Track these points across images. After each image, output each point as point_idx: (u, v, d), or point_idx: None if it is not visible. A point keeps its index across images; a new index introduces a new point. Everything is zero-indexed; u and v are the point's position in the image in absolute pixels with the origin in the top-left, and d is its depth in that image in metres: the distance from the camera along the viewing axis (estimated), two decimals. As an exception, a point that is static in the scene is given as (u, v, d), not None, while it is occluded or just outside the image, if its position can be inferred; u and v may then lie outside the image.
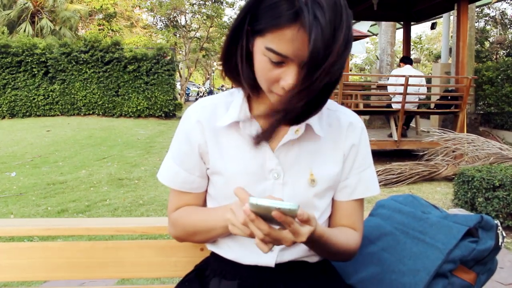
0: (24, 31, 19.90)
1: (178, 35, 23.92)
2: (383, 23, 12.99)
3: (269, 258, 1.04)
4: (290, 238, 0.82)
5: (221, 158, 1.04)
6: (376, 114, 9.82)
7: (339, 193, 1.10)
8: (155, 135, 10.82)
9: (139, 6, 26.79)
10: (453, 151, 5.89)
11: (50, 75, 14.30)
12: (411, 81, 7.34)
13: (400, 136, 7.11)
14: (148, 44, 19.85)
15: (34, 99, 14.31)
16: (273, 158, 1.02)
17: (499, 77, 10.03)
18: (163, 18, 23.74)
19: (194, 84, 33.40)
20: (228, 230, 0.92)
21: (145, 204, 4.78)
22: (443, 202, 4.88)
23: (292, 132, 1.01)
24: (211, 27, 23.49)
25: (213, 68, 37.55)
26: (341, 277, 1.16)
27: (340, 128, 1.08)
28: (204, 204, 1.15)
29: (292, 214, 0.78)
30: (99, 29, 25.14)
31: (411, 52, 28.07)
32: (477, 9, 15.56)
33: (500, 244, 1.13)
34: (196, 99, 28.33)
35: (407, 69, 7.82)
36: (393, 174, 5.65)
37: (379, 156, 7.58)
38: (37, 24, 20.99)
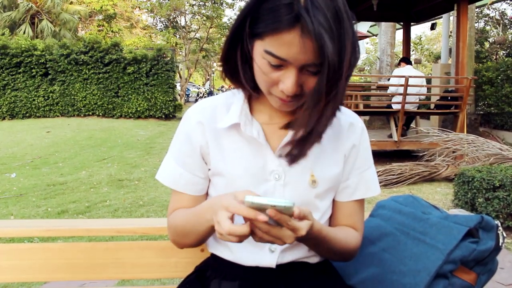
0: (24, 32, 19.90)
1: (178, 36, 23.93)
2: (383, 23, 12.99)
3: (270, 259, 1.03)
4: (291, 234, 0.82)
5: (222, 159, 1.04)
6: (376, 115, 9.83)
7: (339, 193, 1.10)
8: (155, 136, 10.82)
9: (139, 7, 26.81)
10: (453, 152, 5.89)
11: (50, 76, 14.30)
12: (413, 81, 7.35)
13: (400, 137, 7.11)
14: (148, 45, 19.84)
15: (34, 100, 14.31)
16: (274, 159, 1.02)
17: (499, 77, 10.03)
18: (163, 19, 23.77)
19: (194, 85, 33.43)
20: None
21: (145, 205, 4.78)
22: (443, 202, 4.88)
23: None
24: (211, 28, 23.51)
25: (213, 69, 37.56)
26: (341, 278, 1.16)
27: (340, 128, 1.08)
28: None
29: (288, 212, 0.78)
30: (98, 30, 25.15)
31: (412, 53, 28.10)
32: (477, 9, 15.56)
33: (500, 244, 1.13)
34: (196, 100, 28.42)
35: (408, 70, 7.82)
36: (393, 175, 5.65)
37: (379, 156, 7.58)
38: (37, 25, 21.00)
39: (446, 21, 12.06)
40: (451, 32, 12.73)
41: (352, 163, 1.09)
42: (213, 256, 1.12)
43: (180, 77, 22.92)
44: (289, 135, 1.01)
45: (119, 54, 14.18)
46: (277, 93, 0.91)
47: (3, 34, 15.07)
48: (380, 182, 5.53)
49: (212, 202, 0.96)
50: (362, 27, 14.91)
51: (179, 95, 20.11)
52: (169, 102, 14.65)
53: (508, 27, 17.65)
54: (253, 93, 1.01)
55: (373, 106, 9.11)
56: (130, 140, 10.09)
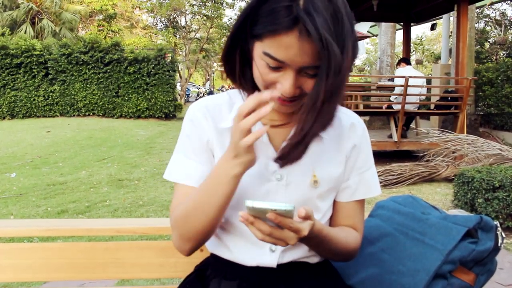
0: (25, 32, 19.90)
1: (178, 36, 23.93)
2: (383, 24, 12.99)
3: (271, 259, 1.04)
4: (293, 236, 0.82)
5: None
6: (376, 115, 9.83)
7: (340, 194, 1.10)
8: (155, 136, 10.82)
9: (139, 7, 26.81)
10: (453, 152, 5.89)
11: (50, 76, 14.30)
12: (415, 82, 7.35)
13: (400, 137, 7.11)
14: (148, 45, 19.84)
15: (34, 100, 14.31)
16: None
17: (499, 78, 10.03)
18: (163, 19, 23.77)
19: (194, 85, 33.43)
20: (234, 178, 0.91)
21: (145, 205, 4.78)
22: (443, 203, 4.88)
23: None
24: (211, 28, 23.52)
25: (213, 69, 37.56)
26: (341, 278, 1.16)
27: (341, 128, 1.08)
28: None
29: (288, 215, 0.78)
30: (98, 30, 25.15)
31: (413, 53, 28.09)
32: (477, 10, 15.57)
33: (499, 245, 1.13)
34: (196, 100, 28.31)
35: (408, 70, 7.83)
36: (393, 175, 5.65)
37: (379, 157, 7.58)
38: (37, 25, 21.00)
39: (446, 22, 12.06)
40: (451, 33, 12.73)
41: (353, 163, 1.09)
42: (213, 256, 1.12)
43: (180, 77, 22.92)
44: (290, 135, 1.01)
45: (119, 54, 14.18)
46: (281, 91, 0.92)
47: (2, 34, 15.06)
48: (379, 183, 5.50)
49: (217, 163, 0.94)
50: (362, 27, 14.91)
51: (179, 95, 20.11)
52: (169, 102, 14.65)
53: (508, 27, 17.66)
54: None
55: (373, 106, 9.11)
56: (130, 140, 10.09)
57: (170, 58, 14.73)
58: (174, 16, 23.06)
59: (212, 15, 22.36)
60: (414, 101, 7.66)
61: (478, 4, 12.21)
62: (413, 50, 28.65)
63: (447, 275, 1.08)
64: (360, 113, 8.01)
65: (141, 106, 14.44)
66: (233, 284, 1.04)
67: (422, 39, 29.61)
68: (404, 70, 7.86)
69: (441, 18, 12.26)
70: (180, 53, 25.29)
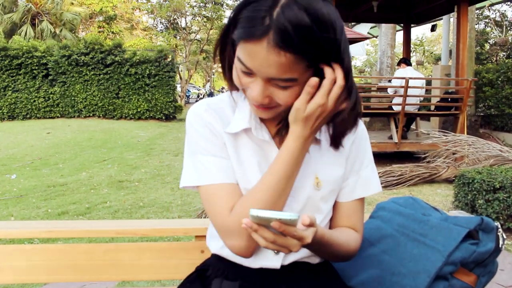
0: (25, 33, 19.92)
1: (178, 37, 23.95)
2: (383, 25, 12.99)
3: (275, 261, 1.04)
4: (296, 243, 0.81)
5: (236, 161, 1.03)
6: (377, 116, 9.83)
7: (339, 193, 1.10)
8: (155, 137, 10.82)
9: (139, 9, 26.84)
10: (454, 153, 5.89)
11: (51, 78, 14.31)
12: (414, 83, 7.34)
13: (400, 138, 7.11)
14: (148, 47, 19.84)
15: (34, 101, 14.32)
16: None
17: (499, 79, 10.04)
18: (163, 20, 23.78)
19: (194, 86, 33.44)
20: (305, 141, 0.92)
21: (145, 206, 4.78)
22: (444, 204, 4.88)
23: None
24: (211, 29, 23.53)
25: (213, 70, 37.56)
26: (341, 279, 1.16)
27: None
28: None
29: (292, 224, 0.78)
30: (99, 31, 25.16)
31: (413, 55, 28.09)
32: (477, 11, 15.57)
33: (500, 246, 1.13)
34: (196, 101, 28.32)
35: (408, 71, 7.82)
36: (393, 176, 5.65)
37: (380, 158, 7.57)
38: (38, 26, 21.02)
39: (447, 23, 12.06)
40: (451, 34, 12.73)
41: (352, 162, 1.09)
42: (216, 257, 1.12)
43: (181, 78, 22.94)
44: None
45: (120, 56, 14.19)
46: (249, 97, 0.93)
47: (0, 35, 15.07)
48: (380, 183, 5.53)
49: None
50: (363, 28, 14.91)
51: (180, 97, 20.12)
52: (170, 104, 14.66)
53: (509, 28, 17.66)
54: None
55: (373, 107, 9.11)
56: (130, 141, 10.09)
57: (170, 58, 14.73)
58: (174, 17, 23.07)
59: (212, 17, 22.39)
60: (415, 102, 7.65)
61: (478, 5, 12.21)
62: (413, 51, 28.66)
63: (448, 276, 1.08)
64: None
65: (142, 108, 14.44)
66: (234, 285, 1.04)
67: (423, 40, 29.62)
68: (404, 71, 7.85)
69: (441, 19, 12.27)
70: (180, 54, 25.31)
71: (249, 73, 0.89)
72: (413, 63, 25.88)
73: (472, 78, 7.49)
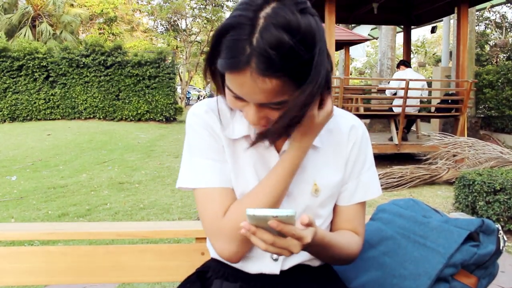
0: (25, 35, 19.93)
1: (178, 39, 23.96)
2: (384, 26, 13.01)
3: (273, 268, 1.04)
4: (296, 243, 0.80)
5: (233, 166, 1.03)
6: (377, 118, 9.83)
7: (339, 197, 1.10)
8: (155, 139, 10.82)
9: (140, 10, 26.85)
10: (454, 155, 5.89)
11: (51, 79, 14.32)
12: (415, 84, 7.34)
13: (400, 140, 7.11)
14: (148, 48, 19.84)
15: (35, 103, 14.32)
16: None
17: (500, 80, 10.04)
18: (163, 22, 23.80)
19: (194, 88, 33.43)
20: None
21: (146, 208, 4.78)
22: (444, 206, 4.87)
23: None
24: (211, 31, 23.51)
25: (214, 72, 37.46)
26: (342, 281, 1.16)
27: (340, 134, 1.08)
28: None
29: (290, 222, 0.77)
30: (99, 33, 25.17)
31: (415, 56, 28.09)
32: (477, 12, 15.58)
33: (501, 248, 1.13)
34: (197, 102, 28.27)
35: (409, 73, 7.83)
36: (394, 178, 5.65)
37: (380, 159, 7.57)
38: (38, 28, 21.03)
39: (447, 24, 12.07)
40: (452, 36, 12.74)
41: (351, 166, 1.09)
42: (215, 260, 1.12)
43: (181, 80, 22.94)
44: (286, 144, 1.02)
45: (120, 57, 14.20)
46: (246, 119, 0.94)
47: (0, 37, 15.08)
48: (380, 185, 5.52)
49: None
50: (363, 30, 14.92)
51: (180, 98, 20.12)
52: (170, 105, 14.66)
53: (509, 30, 17.67)
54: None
55: (373, 109, 9.11)
56: (131, 143, 10.09)
57: (170, 60, 14.73)
58: (175, 19, 23.09)
59: (213, 18, 22.39)
60: (415, 103, 7.65)
61: (478, 6, 12.22)
62: (415, 53, 28.67)
63: (449, 278, 1.08)
64: (361, 116, 8.02)
65: (142, 109, 14.44)
66: (235, 286, 1.04)
67: (424, 42, 29.63)
68: (403, 73, 7.86)
69: (442, 21, 12.27)
70: (181, 56, 25.32)
71: (240, 98, 0.88)
72: (415, 65, 25.94)
73: (472, 80, 7.49)
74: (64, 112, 14.50)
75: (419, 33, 37.16)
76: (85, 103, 14.39)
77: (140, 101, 14.42)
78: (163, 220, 4.30)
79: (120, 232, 1.41)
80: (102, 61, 14.15)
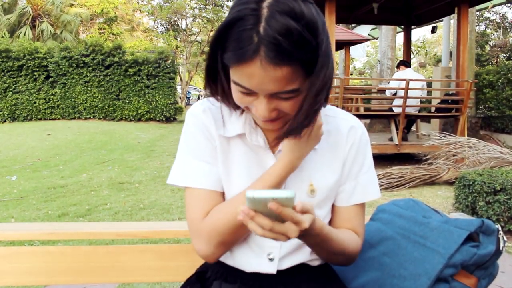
0: (24, 35, 19.92)
1: (178, 39, 23.96)
2: (384, 26, 13.00)
3: (270, 267, 1.03)
4: (294, 228, 0.79)
5: (226, 167, 1.04)
6: (377, 118, 9.84)
7: (337, 198, 1.10)
8: (155, 139, 10.82)
9: (140, 10, 26.84)
10: (454, 155, 5.89)
11: (51, 79, 14.32)
12: (415, 85, 7.34)
13: (400, 140, 7.11)
14: (149, 48, 19.86)
15: (35, 103, 14.33)
16: None
17: (500, 80, 10.04)
18: (163, 22, 23.79)
19: (195, 88, 33.43)
20: None
21: (146, 208, 4.78)
22: (444, 206, 4.87)
23: None
24: (211, 31, 23.52)
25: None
26: (341, 281, 1.16)
27: (339, 135, 1.08)
28: None
29: (289, 204, 0.76)
30: (99, 33, 25.17)
31: (416, 56, 28.09)
32: (478, 12, 15.58)
33: (501, 248, 1.13)
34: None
35: (409, 73, 7.83)
36: (393, 178, 5.65)
37: (380, 159, 7.57)
38: (38, 28, 21.03)
39: (447, 24, 12.07)
40: (452, 36, 12.74)
41: (349, 166, 1.08)
42: None
43: (181, 80, 22.94)
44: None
45: (120, 57, 14.20)
46: (256, 115, 0.92)
47: (2, 37, 15.07)
48: (380, 186, 5.53)
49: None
50: (363, 30, 14.92)
51: (180, 98, 20.12)
52: (170, 105, 14.65)
53: (509, 30, 17.67)
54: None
55: (373, 109, 9.11)
56: (131, 143, 10.10)
57: (170, 60, 14.73)
58: (175, 19, 23.09)
59: (213, 18, 22.39)
60: (415, 103, 7.65)
61: (478, 7, 12.22)
62: (416, 53, 28.67)
63: (449, 279, 1.08)
64: (361, 116, 8.02)
65: (142, 109, 14.44)
66: (233, 287, 1.04)
67: (424, 42, 29.64)
68: (403, 73, 7.86)
69: (442, 21, 12.27)
70: (181, 56, 25.31)
71: (249, 92, 0.88)
72: (415, 65, 25.92)
73: (472, 80, 7.50)
74: (64, 112, 14.49)
75: (420, 33, 37.18)
76: (85, 103, 14.39)
77: (140, 101, 14.42)
78: (163, 220, 4.31)
79: (120, 232, 1.41)
80: (102, 61, 14.15)
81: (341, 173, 1.07)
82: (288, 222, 0.78)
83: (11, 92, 14.23)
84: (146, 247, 1.39)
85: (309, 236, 0.88)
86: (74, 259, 1.36)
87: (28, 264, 1.36)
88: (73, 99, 14.38)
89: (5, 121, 14.32)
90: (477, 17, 16.06)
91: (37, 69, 14.14)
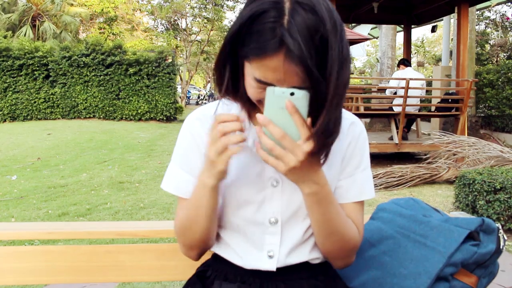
0: (25, 34, 19.91)
1: (178, 39, 23.97)
2: (384, 26, 13.00)
3: (269, 264, 1.04)
4: (292, 158, 0.83)
5: None
6: (377, 117, 9.84)
7: (334, 193, 1.09)
8: (156, 138, 10.82)
9: (140, 10, 26.84)
10: (454, 154, 5.89)
11: (51, 79, 14.32)
12: (415, 84, 7.34)
13: (401, 139, 7.11)
14: (149, 47, 19.85)
15: (35, 102, 14.33)
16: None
17: (500, 79, 10.04)
18: (163, 21, 23.80)
19: (195, 87, 33.45)
20: (210, 189, 0.96)
21: (146, 207, 4.78)
22: (444, 205, 4.87)
23: None
24: (211, 30, 23.55)
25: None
26: (341, 279, 1.16)
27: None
28: None
29: (303, 104, 0.82)
30: (99, 33, 25.17)
31: (414, 56, 28.10)
32: (478, 12, 15.57)
33: (501, 247, 1.13)
34: (197, 102, 28.39)
35: (409, 72, 7.82)
36: (394, 177, 5.65)
37: (380, 159, 7.57)
38: (38, 27, 21.02)
39: (447, 24, 12.07)
40: (452, 35, 12.74)
41: (346, 162, 1.07)
42: (214, 257, 1.14)
43: (181, 79, 22.96)
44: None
45: (120, 56, 14.20)
46: None
47: (5, 36, 15.07)
48: (381, 185, 5.54)
49: (198, 176, 0.99)
50: (363, 29, 14.91)
51: (180, 98, 20.13)
52: (170, 105, 14.66)
53: (509, 29, 17.66)
54: (250, 106, 1.01)
55: (374, 108, 9.11)
56: (131, 142, 10.09)
57: (170, 59, 14.73)
58: (175, 18, 23.10)
59: (213, 18, 22.40)
60: (415, 103, 7.65)
61: (478, 6, 12.22)
62: (415, 52, 28.66)
63: (449, 277, 1.08)
64: (361, 115, 8.02)
65: (142, 109, 14.44)
66: (233, 286, 1.04)
67: (423, 41, 29.63)
68: (403, 72, 7.86)
69: (442, 20, 12.27)
70: (181, 55, 25.32)
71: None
72: (414, 64, 25.91)
73: (472, 79, 7.49)
74: (64, 112, 14.50)
75: (420, 33, 37.18)
76: (85, 103, 14.39)
77: (140, 100, 14.43)
78: (163, 220, 4.31)
79: (120, 231, 1.41)
80: (102, 61, 14.15)
81: (340, 168, 1.07)
82: (287, 152, 0.83)
83: (11, 92, 14.23)
84: (146, 247, 1.39)
85: (312, 183, 0.91)
86: (74, 259, 1.36)
87: (28, 264, 1.36)
88: (73, 99, 14.39)
89: (5, 120, 14.32)
90: (477, 16, 16.05)
91: (37, 69, 14.14)
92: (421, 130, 8.08)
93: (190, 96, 28.09)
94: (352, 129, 1.08)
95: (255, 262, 1.04)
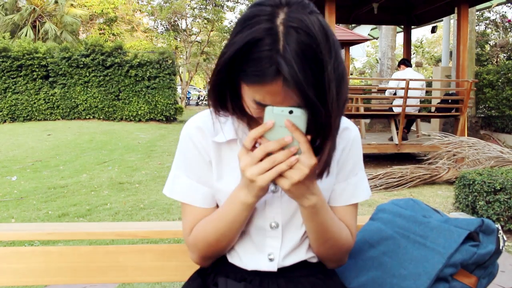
0: (26, 35, 19.92)
1: (178, 39, 23.97)
2: (384, 26, 13.00)
3: (270, 266, 1.05)
4: (302, 163, 0.85)
5: (221, 175, 1.05)
6: (377, 118, 9.84)
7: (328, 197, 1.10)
8: (156, 139, 10.82)
9: (140, 10, 26.85)
10: (454, 155, 5.89)
11: (51, 79, 14.32)
12: (415, 84, 7.34)
13: (401, 140, 7.11)
14: (149, 48, 19.85)
15: (35, 103, 14.32)
16: None
17: (500, 80, 10.04)
18: (163, 22, 23.80)
19: (195, 88, 33.44)
20: (248, 207, 0.95)
21: (146, 208, 4.78)
22: (444, 205, 4.87)
23: None
24: (211, 31, 23.54)
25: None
26: (339, 277, 1.17)
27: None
28: None
29: (301, 121, 0.84)
30: (99, 33, 25.18)
31: (415, 57, 28.10)
32: (478, 12, 15.57)
33: (501, 248, 1.13)
34: (197, 103, 28.39)
35: (409, 72, 7.83)
36: (394, 178, 5.65)
37: (380, 159, 7.57)
38: (39, 28, 21.04)
39: (447, 24, 12.07)
40: (452, 36, 12.74)
41: (340, 167, 1.09)
42: None
43: (181, 80, 22.96)
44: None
45: (120, 57, 14.19)
46: None
47: (4, 37, 15.07)
48: (380, 185, 5.54)
49: (234, 192, 0.98)
50: (363, 30, 14.92)
51: (180, 98, 20.13)
52: (170, 105, 14.65)
53: (509, 30, 17.67)
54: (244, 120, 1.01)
55: (373, 109, 9.11)
56: (131, 143, 10.09)
57: (170, 61, 14.73)
58: (175, 19, 23.10)
59: (213, 18, 22.40)
60: (415, 103, 7.65)
61: (478, 6, 12.22)
62: (414, 53, 28.65)
63: (449, 278, 1.08)
64: (361, 116, 8.02)
65: (142, 110, 14.44)
66: (239, 286, 1.04)
67: (423, 42, 29.63)
68: (403, 73, 7.86)
69: (442, 20, 12.27)
70: (181, 56, 25.32)
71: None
72: (413, 65, 25.89)
73: (472, 80, 7.50)
74: (64, 112, 14.49)
75: (419, 33, 37.17)
76: (85, 103, 14.39)
77: (140, 101, 14.42)
78: (163, 220, 4.31)
79: (120, 232, 1.41)
80: (102, 61, 14.15)
81: (335, 173, 1.08)
82: (297, 161, 0.85)
83: (10, 92, 14.22)
84: (146, 247, 1.39)
85: (311, 195, 0.92)
86: (74, 259, 1.36)
87: (28, 264, 1.36)
88: (73, 100, 14.38)
89: (5, 121, 14.32)
90: (477, 16, 16.06)
91: (37, 69, 14.14)
92: (421, 131, 8.08)
93: (190, 97, 28.09)
94: (346, 134, 1.09)
95: (256, 264, 1.05)
